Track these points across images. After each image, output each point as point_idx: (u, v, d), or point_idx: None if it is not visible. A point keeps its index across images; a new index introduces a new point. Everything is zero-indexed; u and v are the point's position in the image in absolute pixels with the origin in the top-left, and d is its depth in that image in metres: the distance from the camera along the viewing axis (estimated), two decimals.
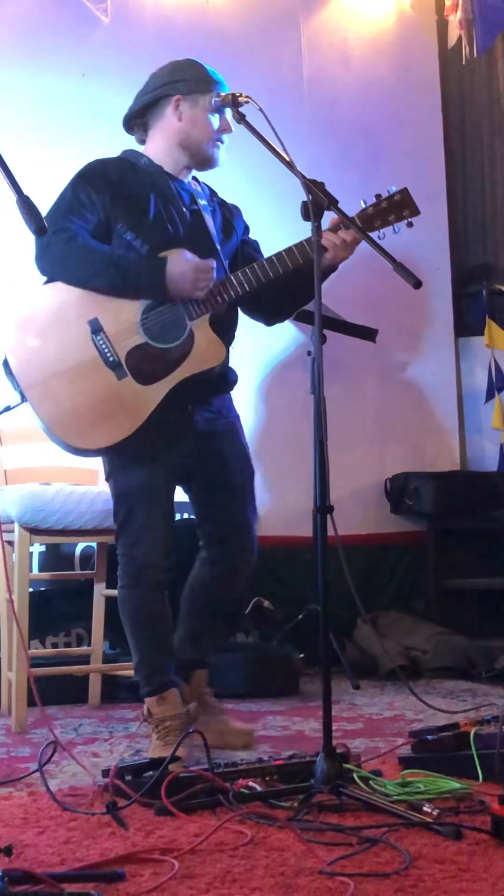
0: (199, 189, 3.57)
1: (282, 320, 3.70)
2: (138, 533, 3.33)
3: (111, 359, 3.28)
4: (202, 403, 3.44)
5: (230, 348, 3.49)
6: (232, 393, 3.57)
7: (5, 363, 3.33)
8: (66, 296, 3.33)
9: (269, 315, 3.65)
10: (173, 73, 3.47)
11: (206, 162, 3.50)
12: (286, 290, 3.43)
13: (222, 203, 3.63)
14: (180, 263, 3.26)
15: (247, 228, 3.67)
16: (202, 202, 3.53)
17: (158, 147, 3.49)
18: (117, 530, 3.38)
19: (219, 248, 3.48)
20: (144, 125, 3.54)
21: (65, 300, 3.33)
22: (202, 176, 3.59)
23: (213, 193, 3.63)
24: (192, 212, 3.48)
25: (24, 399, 3.30)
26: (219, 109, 3.43)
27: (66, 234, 3.30)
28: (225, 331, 3.42)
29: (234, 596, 3.61)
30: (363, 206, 3.33)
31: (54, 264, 3.33)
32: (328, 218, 3.05)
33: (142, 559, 3.33)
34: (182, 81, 3.44)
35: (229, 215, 3.62)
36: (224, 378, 3.50)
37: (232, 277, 3.33)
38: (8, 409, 3.36)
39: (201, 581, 3.51)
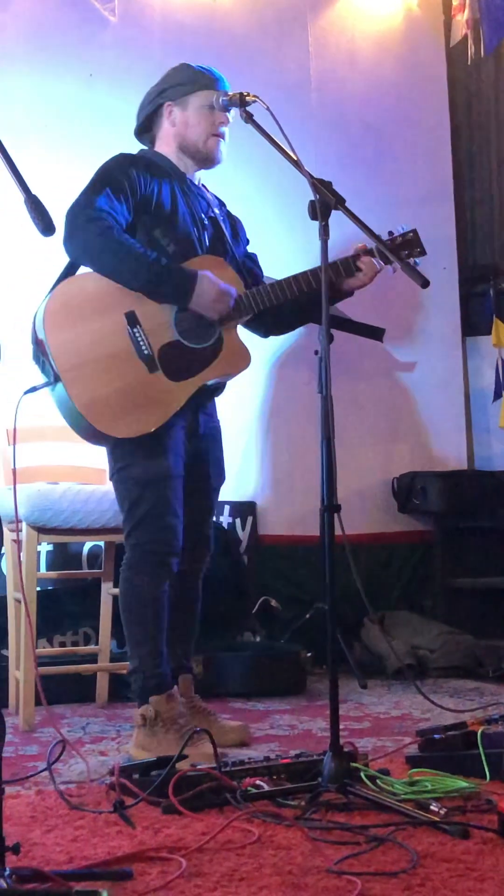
0: (212, 198, 3.61)
1: (277, 334, 3.76)
2: (169, 519, 3.33)
3: (146, 352, 3.31)
4: (201, 406, 3.50)
5: None
6: (239, 392, 3.60)
7: (38, 345, 3.32)
8: (106, 286, 3.33)
9: (267, 329, 3.70)
10: (163, 82, 3.55)
11: (207, 159, 3.53)
12: (295, 308, 3.49)
13: (229, 214, 3.68)
14: (207, 284, 3.31)
15: (247, 241, 3.72)
16: (216, 211, 3.58)
17: (167, 153, 3.55)
18: (138, 520, 3.35)
19: (237, 259, 3.54)
20: (152, 137, 3.60)
21: (104, 290, 3.34)
22: (213, 187, 3.61)
23: (222, 203, 3.67)
24: (210, 218, 3.53)
25: (56, 380, 3.28)
26: (214, 106, 3.44)
27: (102, 224, 3.29)
28: None
29: (194, 595, 3.61)
30: (385, 238, 3.41)
31: (87, 251, 3.33)
32: (335, 218, 3.04)
33: (172, 545, 3.34)
34: (170, 88, 3.51)
35: (236, 227, 3.67)
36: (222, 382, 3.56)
37: (263, 290, 3.39)
38: (34, 389, 3.34)
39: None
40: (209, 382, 3.41)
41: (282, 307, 3.46)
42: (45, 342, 3.30)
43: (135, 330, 3.31)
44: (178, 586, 3.47)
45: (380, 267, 3.44)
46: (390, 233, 3.45)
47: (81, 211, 3.30)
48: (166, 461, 3.34)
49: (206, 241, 3.49)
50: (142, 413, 3.30)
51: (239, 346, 3.43)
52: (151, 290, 3.32)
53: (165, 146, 3.55)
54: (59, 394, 3.31)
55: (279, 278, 3.44)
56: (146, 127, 3.60)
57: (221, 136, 3.50)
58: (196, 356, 3.36)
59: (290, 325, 3.76)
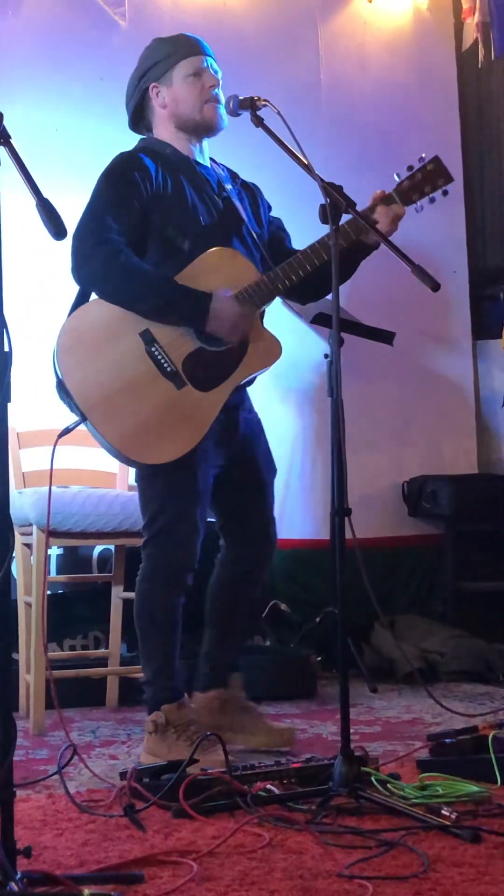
0: (222, 173, 3.51)
1: (315, 300, 3.64)
2: (187, 535, 3.28)
3: (168, 369, 3.23)
4: (239, 403, 3.42)
5: None
6: (248, 395, 3.55)
7: (60, 385, 3.25)
8: (113, 309, 3.26)
9: (303, 296, 3.59)
10: (141, 65, 3.48)
11: (208, 128, 3.43)
12: (321, 274, 3.32)
13: (245, 184, 3.58)
14: (225, 307, 3.22)
15: (269, 207, 3.61)
16: (228, 186, 3.47)
17: (167, 136, 3.46)
18: (156, 532, 3.30)
19: (254, 233, 3.43)
20: (148, 123, 3.53)
21: (114, 314, 3.26)
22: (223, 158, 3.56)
23: (234, 175, 3.57)
24: (223, 199, 3.43)
25: (84, 419, 3.21)
26: (195, 73, 3.38)
27: (108, 248, 3.23)
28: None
29: (254, 596, 3.57)
30: (397, 179, 3.30)
31: (95, 279, 3.27)
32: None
33: (189, 562, 3.30)
34: (150, 69, 3.44)
35: (254, 196, 3.57)
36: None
37: (278, 272, 3.27)
38: (68, 430, 3.24)
39: (223, 583, 3.49)
40: (243, 381, 3.33)
41: (309, 277, 3.31)
42: (65, 382, 3.22)
43: (153, 349, 3.23)
44: (242, 586, 3.47)
45: (405, 212, 3.29)
46: (410, 167, 3.30)
47: (88, 236, 3.23)
48: (192, 475, 3.28)
49: (220, 224, 3.37)
50: (177, 433, 3.22)
51: (267, 337, 3.32)
52: (162, 315, 3.23)
53: (163, 130, 3.46)
54: (92, 430, 3.24)
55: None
56: (139, 116, 3.52)
57: (216, 99, 3.40)
58: (222, 359, 3.27)
59: (323, 291, 3.50)
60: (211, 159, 3.53)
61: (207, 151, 3.52)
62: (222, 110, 3.40)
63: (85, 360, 3.25)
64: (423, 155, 3.29)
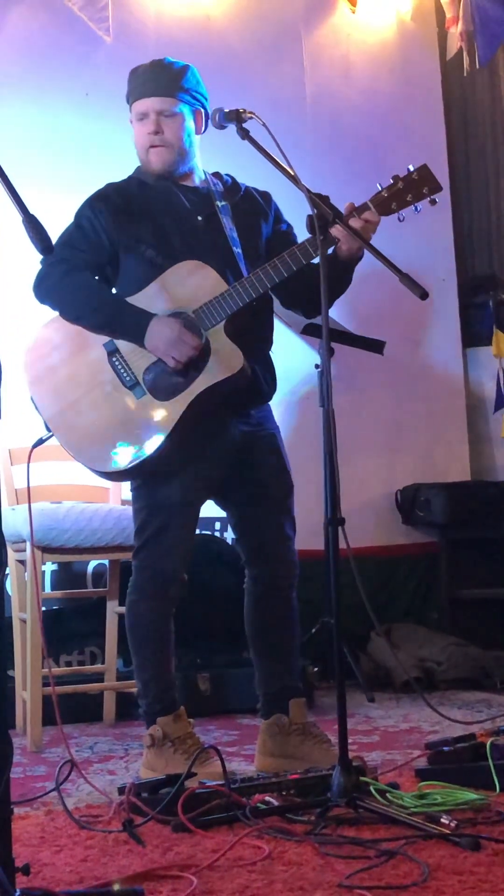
0: (214, 188, 3.46)
1: (316, 315, 3.59)
2: (169, 547, 3.30)
3: (128, 379, 3.28)
4: (238, 414, 3.38)
5: (269, 352, 3.44)
6: (260, 413, 3.49)
7: (31, 399, 3.35)
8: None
9: (307, 309, 3.54)
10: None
11: (153, 172, 3.42)
12: (302, 284, 3.30)
13: (247, 196, 3.51)
14: (161, 329, 3.22)
15: (277, 217, 3.53)
16: (220, 203, 3.43)
17: None
18: (143, 543, 3.33)
19: (238, 251, 3.38)
20: None
21: (79, 327, 3.35)
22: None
23: (232, 189, 3.50)
24: (208, 216, 3.39)
25: (49, 430, 3.32)
26: (140, 116, 3.38)
27: (65, 266, 3.32)
28: (252, 334, 3.33)
29: (286, 614, 3.46)
30: (379, 188, 3.24)
31: (49, 295, 3.37)
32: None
33: (170, 574, 3.30)
34: (127, 98, 3.47)
35: (255, 207, 3.50)
36: (257, 387, 3.39)
37: (244, 283, 3.23)
38: (41, 441, 3.36)
39: (252, 606, 3.46)
40: (202, 390, 3.25)
41: (301, 288, 3.30)
42: (31, 396, 3.35)
43: (114, 359, 3.29)
44: (268, 605, 3.43)
45: (378, 219, 3.20)
46: (395, 176, 3.23)
47: (47, 258, 3.26)
48: (172, 486, 3.29)
49: (199, 243, 3.36)
50: (136, 441, 3.25)
51: (228, 347, 3.26)
52: (111, 331, 3.31)
53: None
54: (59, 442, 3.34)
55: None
56: None
57: (159, 143, 3.37)
58: (183, 370, 3.25)
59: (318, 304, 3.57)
60: (214, 173, 3.51)
61: (199, 169, 3.49)
62: (169, 154, 3.38)
63: (47, 375, 3.34)
64: (411, 166, 3.24)
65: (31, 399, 3.35)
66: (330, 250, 3.14)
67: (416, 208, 3.22)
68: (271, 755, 3.34)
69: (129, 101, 3.44)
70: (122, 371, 3.29)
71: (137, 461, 3.24)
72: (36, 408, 3.34)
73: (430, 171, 3.22)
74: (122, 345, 3.30)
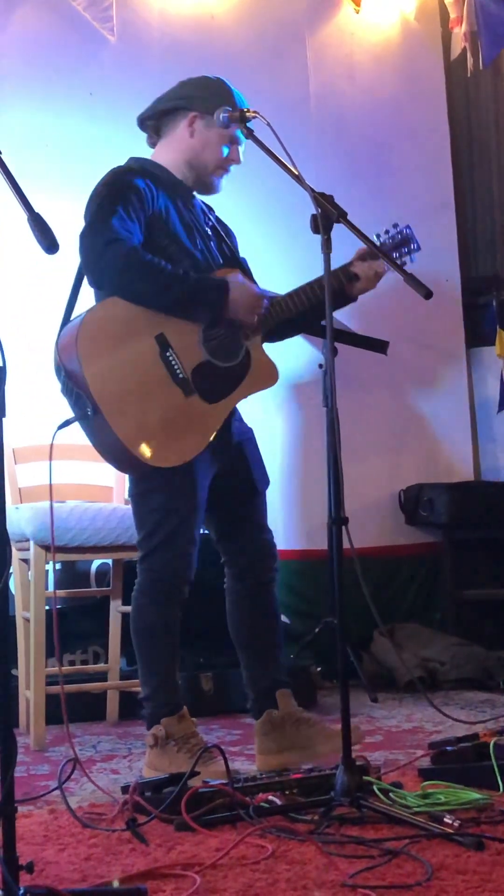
0: (205, 207, 3.56)
1: (275, 341, 3.65)
2: (182, 550, 3.27)
3: (181, 376, 3.24)
4: (232, 412, 3.42)
5: None
6: (242, 406, 3.54)
7: (70, 377, 3.21)
8: (131, 308, 3.24)
9: (282, 333, 3.59)
10: (197, 87, 3.43)
11: (208, 188, 3.48)
12: (299, 317, 3.42)
13: (219, 220, 3.61)
14: (240, 288, 3.27)
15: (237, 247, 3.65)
16: (211, 218, 3.54)
17: (167, 159, 3.45)
18: (154, 547, 3.29)
19: (241, 263, 3.49)
20: (157, 129, 3.50)
21: (130, 314, 3.24)
22: (216, 200, 3.59)
23: (210, 209, 3.59)
24: (211, 227, 3.47)
25: (95, 413, 3.17)
26: (234, 140, 3.40)
27: (122, 245, 3.19)
28: None
29: (271, 608, 3.47)
30: (378, 241, 3.41)
31: (110, 277, 3.23)
32: (337, 231, 3.05)
33: (182, 575, 3.28)
34: (203, 98, 3.39)
35: (227, 231, 3.60)
36: None
37: (281, 302, 3.35)
38: (68, 423, 3.22)
39: (235, 605, 3.45)
40: (242, 398, 3.35)
41: (293, 317, 3.40)
42: (80, 374, 3.17)
43: (167, 353, 3.23)
44: (254, 601, 3.43)
45: (385, 269, 3.37)
46: (386, 231, 3.43)
47: (97, 235, 3.20)
48: (191, 489, 3.27)
49: (216, 252, 3.42)
50: (181, 441, 3.22)
51: (266, 362, 3.38)
52: (184, 307, 3.24)
53: (170, 153, 3.44)
54: (100, 426, 3.19)
55: (281, 292, 3.42)
56: (154, 118, 3.48)
57: (228, 170, 3.46)
58: (227, 375, 3.30)
59: (288, 335, 3.65)
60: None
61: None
62: (223, 184, 3.48)
63: (104, 355, 3.21)
64: (398, 223, 3.44)
65: (77, 378, 3.17)
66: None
67: (402, 263, 3.42)
68: (271, 752, 3.33)
69: (224, 108, 3.29)
70: (175, 367, 3.24)
71: (182, 461, 3.21)
72: (84, 387, 3.17)
73: (411, 233, 3.47)
74: (174, 340, 3.24)
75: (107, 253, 3.20)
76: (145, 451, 3.20)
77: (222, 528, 3.47)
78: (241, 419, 3.51)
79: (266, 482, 3.53)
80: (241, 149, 3.44)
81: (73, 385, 3.20)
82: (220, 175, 3.45)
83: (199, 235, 3.41)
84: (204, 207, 3.54)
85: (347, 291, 3.44)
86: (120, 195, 3.29)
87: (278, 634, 3.48)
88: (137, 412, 3.21)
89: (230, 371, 3.31)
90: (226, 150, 3.42)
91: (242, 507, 3.44)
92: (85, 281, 3.34)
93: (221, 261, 3.43)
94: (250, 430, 3.53)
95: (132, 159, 3.49)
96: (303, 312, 3.39)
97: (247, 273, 3.53)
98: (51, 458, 3.20)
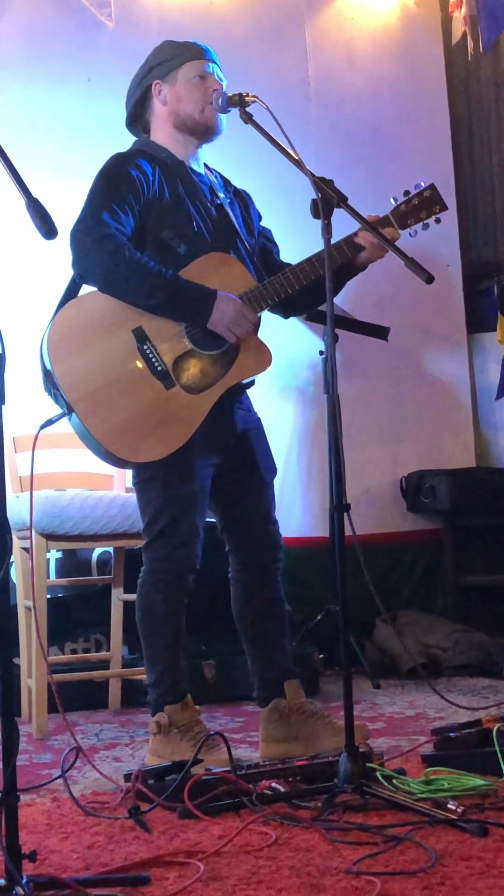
0: (215, 180, 3.50)
1: (298, 315, 3.65)
2: (184, 538, 3.26)
3: (159, 368, 3.22)
4: (236, 401, 3.40)
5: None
6: (246, 394, 3.53)
7: (47, 376, 3.23)
8: (108, 304, 3.23)
9: (286, 311, 3.58)
10: (148, 63, 3.46)
11: (208, 130, 3.41)
12: (310, 289, 3.34)
13: (237, 192, 3.57)
14: (228, 306, 3.22)
15: (259, 216, 3.61)
16: (221, 195, 3.46)
17: (161, 137, 3.43)
18: (156, 534, 3.28)
19: (246, 243, 3.43)
20: (146, 124, 3.50)
21: (108, 308, 3.24)
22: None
23: (227, 183, 3.55)
24: (216, 206, 3.42)
25: (70, 412, 3.19)
26: (202, 75, 3.37)
27: (111, 242, 3.20)
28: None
29: (275, 596, 3.45)
30: (394, 203, 3.35)
31: (97, 274, 3.23)
32: (337, 217, 3.03)
33: (187, 565, 3.27)
34: (156, 66, 3.42)
35: (245, 204, 3.56)
36: None
37: (273, 283, 3.29)
38: (50, 422, 3.22)
39: (240, 595, 3.44)
40: (232, 385, 3.30)
41: (297, 293, 3.33)
42: (53, 373, 3.19)
43: (145, 346, 3.21)
44: (259, 590, 3.41)
45: (399, 234, 3.33)
46: (406, 192, 3.36)
47: (88, 231, 3.20)
48: (190, 476, 3.25)
49: (214, 232, 3.37)
50: (163, 433, 3.20)
51: (257, 345, 3.31)
52: (168, 312, 3.23)
53: (160, 131, 3.44)
54: (76, 424, 3.22)
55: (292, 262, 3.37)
56: (138, 114, 3.50)
57: (215, 103, 3.36)
58: (213, 363, 3.26)
59: (310, 307, 3.65)
60: (205, 165, 3.51)
61: (202, 157, 3.50)
62: (223, 116, 3.39)
63: (74, 353, 3.22)
64: (422, 182, 3.37)
65: (51, 376, 3.21)
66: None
67: (425, 224, 3.39)
68: (275, 741, 3.33)
69: (176, 63, 3.37)
70: (153, 360, 3.22)
71: (164, 455, 3.20)
72: (56, 386, 3.20)
73: (437, 191, 3.42)
74: (152, 333, 3.23)
75: (95, 250, 3.20)
76: (122, 448, 3.20)
77: (228, 518, 3.45)
78: (248, 408, 3.48)
79: (273, 472, 3.50)
80: (216, 69, 3.40)
81: (50, 383, 3.23)
82: (210, 113, 3.38)
83: (200, 217, 3.37)
84: (214, 183, 3.47)
85: (356, 262, 3.38)
86: (113, 187, 3.29)
87: (284, 624, 3.47)
88: (112, 409, 3.20)
89: (216, 359, 3.27)
90: (199, 88, 3.37)
91: (248, 497, 3.42)
92: None
93: (213, 242, 3.35)
94: (258, 420, 3.50)
95: (136, 142, 3.50)
96: (307, 286, 3.32)
97: (262, 246, 3.50)
98: (34, 449, 3.21)
